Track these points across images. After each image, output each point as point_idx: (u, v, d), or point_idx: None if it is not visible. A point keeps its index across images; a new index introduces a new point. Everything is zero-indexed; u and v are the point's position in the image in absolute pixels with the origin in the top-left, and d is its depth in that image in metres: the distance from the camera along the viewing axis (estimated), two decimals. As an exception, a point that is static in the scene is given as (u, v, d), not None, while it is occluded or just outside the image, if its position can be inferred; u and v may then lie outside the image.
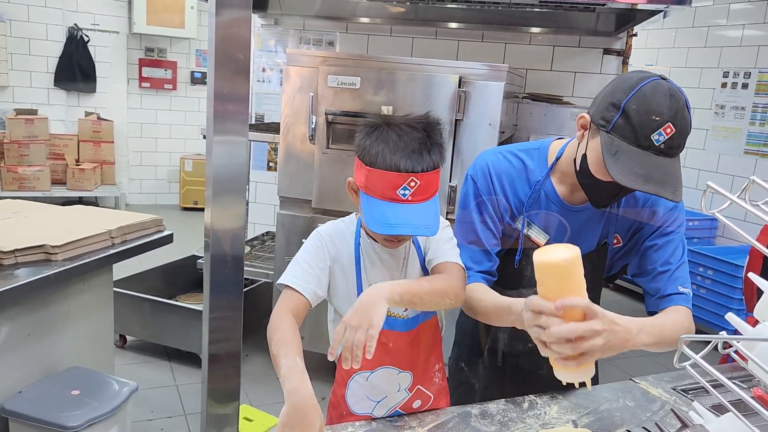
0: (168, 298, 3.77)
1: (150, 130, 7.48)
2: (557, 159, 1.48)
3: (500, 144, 3.13)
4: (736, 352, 0.70)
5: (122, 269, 3.83)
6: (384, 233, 1.30)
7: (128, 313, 3.57)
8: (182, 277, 4.25)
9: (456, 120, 2.98)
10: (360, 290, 1.39)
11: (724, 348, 0.70)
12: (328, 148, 3.16)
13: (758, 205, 0.64)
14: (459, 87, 2.97)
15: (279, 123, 3.31)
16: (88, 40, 6.88)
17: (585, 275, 1.60)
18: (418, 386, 1.48)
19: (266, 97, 4.73)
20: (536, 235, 1.54)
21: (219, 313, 1.86)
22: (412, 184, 1.27)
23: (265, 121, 4.52)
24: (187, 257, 4.33)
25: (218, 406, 1.95)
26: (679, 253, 1.49)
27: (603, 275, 1.64)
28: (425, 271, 1.46)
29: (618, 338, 1.17)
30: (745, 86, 4.95)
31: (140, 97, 7.36)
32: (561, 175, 1.48)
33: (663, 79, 1.27)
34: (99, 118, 6.89)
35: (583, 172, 1.38)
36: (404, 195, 1.27)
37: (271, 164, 4.72)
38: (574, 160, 1.41)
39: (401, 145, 1.27)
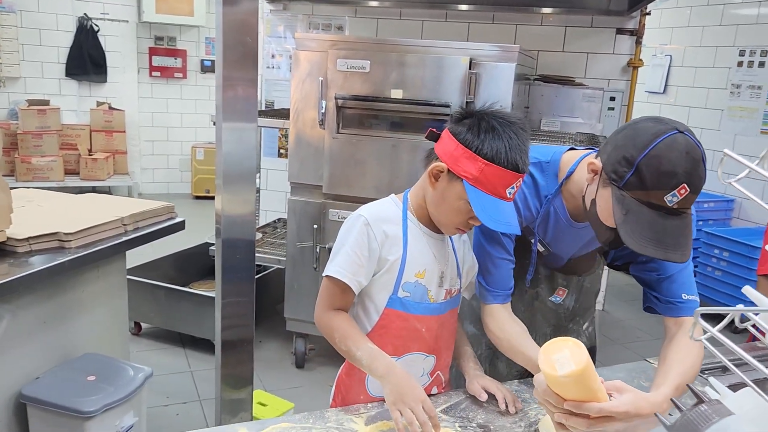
0: (182, 286, 3.80)
1: (161, 120, 7.50)
2: (567, 176, 1.44)
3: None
4: (753, 326, 0.69)
5: (137, 257, 3.85)
6: (498, 229, 1.32)
7: (143, 300, 3.60)
8: (196, 264, 4.28)
9: (467, 102, 2.95)
10: (402, 273, 1.37)
11: (741, 322, 0.68)
12: (338, 132, 3.15)
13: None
14: (470, 69, 2.94)
15: (289, 109, 3.30)
16: (98, 30, 6.89)
17: (581, 266, 1.59)
18: (438, 372, 1.49)
19: (276, 84, 4.72)
20: (542, 248, 1.54)
21: (231, 298, 1.88)
22: (518, 183, 1.30)
23: (275, 108, 4.51)
24: (200, 245, 4.35)
25: (232, 391, 1.98)
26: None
27: (603, 264, 1.64)
28: (459, 271, 1.47)
29: (641, 423, 1.18)
30: (761, 65, 4.86)
31: (151, 86, 7.37)
32: (569, 195, 1.45)
33: (680, 132, 1.19)
34: (110, 107, 6.91)
35: (592, 215, 1.35)
36: (509, 193, 1.29)
37: (282, 151, 4.72)
38: (583, 197, 1.38)
39: (518, 144, 1.27)
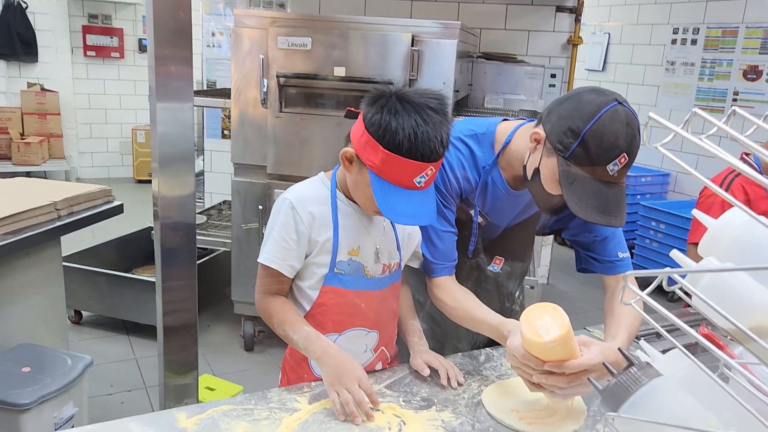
0: (125, 272, 3.69)
1: (98, 101, 7.22)
2: (504, 146, 1.46)
3: (455, 103, 3.12)
4: (681, 289, 0.71)
5: (77, 243, 3.73)
6: (401, 223, 1.30)
7: (83, 287, 3.48)
8: (138, 249, 4.16)
9: (410, 80, 2.94)
10: (335, 252, 1.36)
11: (669, 285, 0.70)
12: (281, 111, 3.10)
13: (701, 138, 0.64)
14: (412, 46, 2.93)
15: (230, 89, 3.22)
16: (26, 7, 6.55)
17: (518, 240, 1.63)
18: (382, 347, 1.48)
19: (217, 63, 4.61)
20: (481, 218, 1.56)
21: (172, 282, 1.84)
22: (429, 172, 1.24)
23: (218, 87, 4.40)
24: (143, 229, 4.24)
25: (176, 376, 1.94)
26: None
27: (534, 235, 1.69)
28: (398, 244, 1.46)
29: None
30: (694, 42, 5.02)
31: (86, 67, 7.07)
32: (507, 164, 1.47)
33: (620, 103, 1.24)
34: (43, 89, 6.61)
35: (534, 184, 1.37)
36: (419, 183, 1.24)
37: (225, 132, 4.63)
38: (524, 167, 1.39)
39: (426, 132, 1.20)
